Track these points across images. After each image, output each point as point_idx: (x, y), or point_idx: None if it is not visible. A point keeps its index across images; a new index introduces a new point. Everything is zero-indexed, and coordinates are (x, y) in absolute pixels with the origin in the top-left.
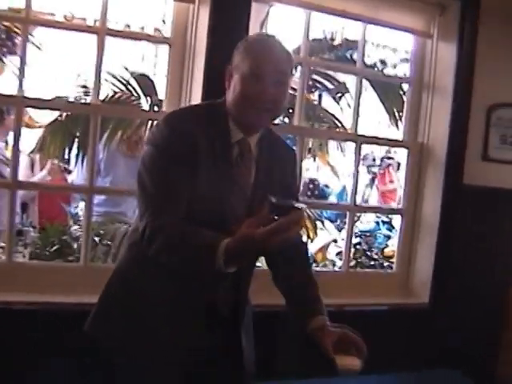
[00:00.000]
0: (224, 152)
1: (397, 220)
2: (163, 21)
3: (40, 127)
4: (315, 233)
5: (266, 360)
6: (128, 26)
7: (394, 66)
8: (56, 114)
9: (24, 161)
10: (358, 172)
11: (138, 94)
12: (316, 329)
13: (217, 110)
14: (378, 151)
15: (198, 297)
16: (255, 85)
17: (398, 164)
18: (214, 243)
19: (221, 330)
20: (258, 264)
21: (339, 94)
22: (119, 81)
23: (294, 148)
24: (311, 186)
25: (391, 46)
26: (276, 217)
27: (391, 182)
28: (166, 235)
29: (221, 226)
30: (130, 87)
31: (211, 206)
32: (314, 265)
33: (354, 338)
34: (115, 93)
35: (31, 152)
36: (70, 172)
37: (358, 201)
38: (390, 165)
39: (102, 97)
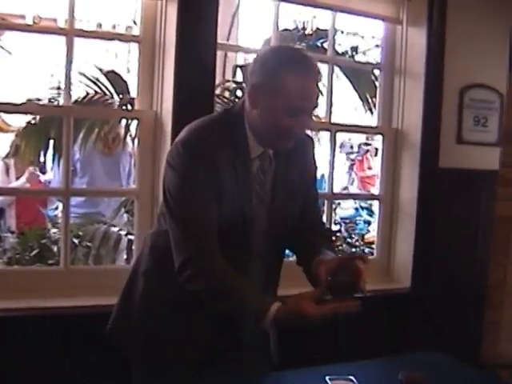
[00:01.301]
0: (244, 168)
1: (376, 205)
2: (134, 21)
3: (13, 131)
4: None
5: None
6: (100, 25)
7: (365, 53)
8: (29, 117)
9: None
10: (334, 160)
11: (110, 92)
12: (314, 265)
13: (235, 124)
14: (356, 138)
15: None
16: (292, 119)
17: (376, 150)
18: (263, 308)
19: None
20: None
21: None
22: (91, 81)
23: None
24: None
25: (361, 34)
26: (331, 296)
27: (369, 168)
28: (208, 282)
29: (242, 236)
30: (102, 86)
31: (234, 220)
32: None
33: (349, 258)
34: (87, 93)
35: (6, 156)
36: (44, 173)
37: (338, 188)
38: (368, 151)
39: (74, 98)
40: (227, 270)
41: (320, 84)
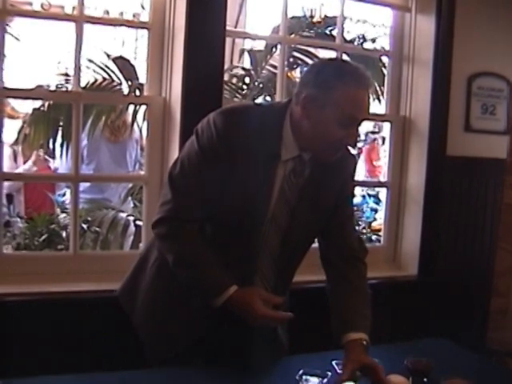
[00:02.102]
0: (268, 165)
1: (384, 193)
2: (142, 6)
3: (22, 118)
4: None
5: None
6: (107, 12)
7: (374, 41)
8: (38, 104)
9: (7, 152)
10: None
11: (118, 78)
12: (346, 344)
13: (274, 117)
14: (364, 127)
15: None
16: (343, 130)
17: (383, 138)
18: (221, 287)
19: None
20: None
21: None
22: (100, 67)
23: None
24: None
25: (370, 21)
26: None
27: (378, 156)
28: (179, 245)
29: (253, 229)
30: (110, 72)
31: (241, 214)
32: None
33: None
34: (96, 79)
35: (14, 143)
36: (53, 157)
37: None
38: (375, 139)
39: (83, 84)
40: (200, 243)
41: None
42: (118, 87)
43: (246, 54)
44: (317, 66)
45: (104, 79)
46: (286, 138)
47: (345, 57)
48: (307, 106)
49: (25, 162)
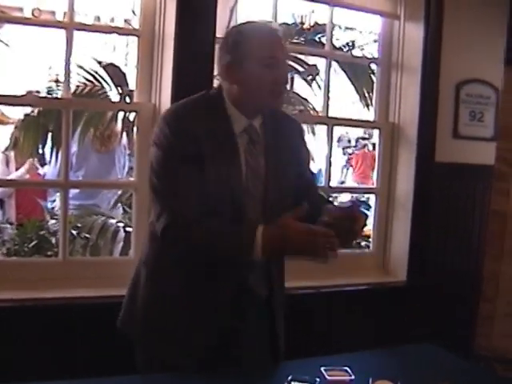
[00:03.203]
0: (228, 140)
1: (373, 199)
2: (133, 11)
3: (13, 123)
4: None
5: None
6: (98, 18)
7: (362, 48)
8: (28, 109)
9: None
10: (331, 154)
11: (108, 85)
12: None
13: (215, 101)
14: (354, 133)
15: (227, 282)
16: (272, 71)
17: (374, 145)
18: (249, 236)
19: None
20: None
21: (310, 77)
22: (90, 73)
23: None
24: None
25: (359, 28)
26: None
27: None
28: (196, 231)
29: (238, 213)
30: (100, 79)
31: (226, 196)
32: None
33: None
34: (86, 85)
35: (6, 149)
36: (43, 165)
37: (334, 182)
38: (365, 145)
39: (73, 90)
40: (208, 222)
41: (317, 78)
42: (107, 94)
43: None
44: (222, 39)
45: (94, 86)
46: (232, 114)
47: (334, 64)
48: (230, 73)
49: (17, 169)
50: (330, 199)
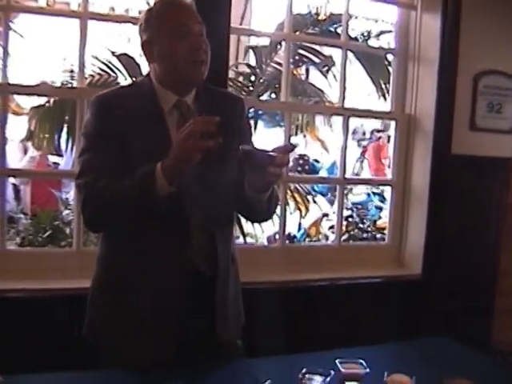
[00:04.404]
0: (157, 119)
1: (388, 191)
2: (147, 3)
3: (27, 114)
4: (306, 208)
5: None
6: (112, 9)
7: (378, 38)
8: (43, 100)
9: (16, 147)
10: (346, 145)
11: (123, 75)
12: None
13: (142, 84)
14: (368, 125)
15: (172, 255)
16: (185, 41)
17: (388, 137)
18: (149, 168)
19: (200, 291)
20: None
21: (326, 68)
22: (104, 63)
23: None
24: (301, 161)
25: (375, 18)
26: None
27: (386, 154)
28: (98, 187)
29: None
30: (115, 69)
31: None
32: (307, 239)
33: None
34: (100, 76)
35: (23, 140)
36: (60, 155)
37: (348, 174)
38: (380, 138)
39: (87, 80)
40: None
41: (334, 69)
42: (122, 84)
43: (250, 51)
44: (140, 23)
45: (108, 76)
46: (160, 92)
47: (350, 55)
48: (147, 52)
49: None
50: None
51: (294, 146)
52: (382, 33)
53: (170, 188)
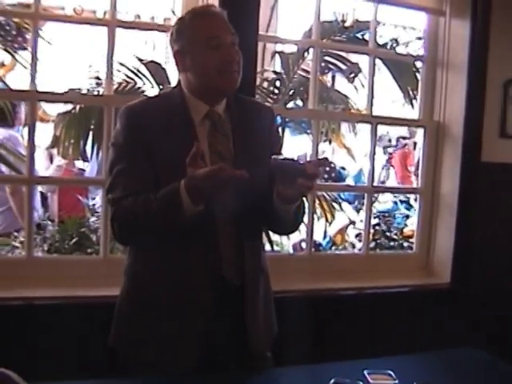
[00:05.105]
0: (185, 130)
1: (415, 199)
2: (172, 11)
3: (53, 121)
4: (333, 216)
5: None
6: (138, 17)
7: (407, 45)
8: (69, 107)
9: (42, 154)
10: (374, 153)
11: (150, 82)
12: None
13: (172, 95)
14: (394, 132)
15: (199, 265)
16: (218, 52)
17: (414, 143)
18: (173, 187)
19: (229, 301)
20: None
21: (352, 75)
22: (131, 71)
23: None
24: (328, 168)
25: (403, 25)
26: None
27: (412, 161)
28: (126, 205)
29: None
30: (141, 76)
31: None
32: (333, 248)
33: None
34: (127, 83)
35: (48, 147)
36: (86, 161)
37: (375, 182)
38: (406, 145)
39: (114, 87)
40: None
41: (361, 76)
42: (148, 91)
43: (277, 57)
44: (171, 32)
45: (135, 83)
46: (191, 102)
47: (378, 62)
48: (179, 62)
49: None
50: None
51: (328, 161)
52: (410, 41)
53: (197, 208)
